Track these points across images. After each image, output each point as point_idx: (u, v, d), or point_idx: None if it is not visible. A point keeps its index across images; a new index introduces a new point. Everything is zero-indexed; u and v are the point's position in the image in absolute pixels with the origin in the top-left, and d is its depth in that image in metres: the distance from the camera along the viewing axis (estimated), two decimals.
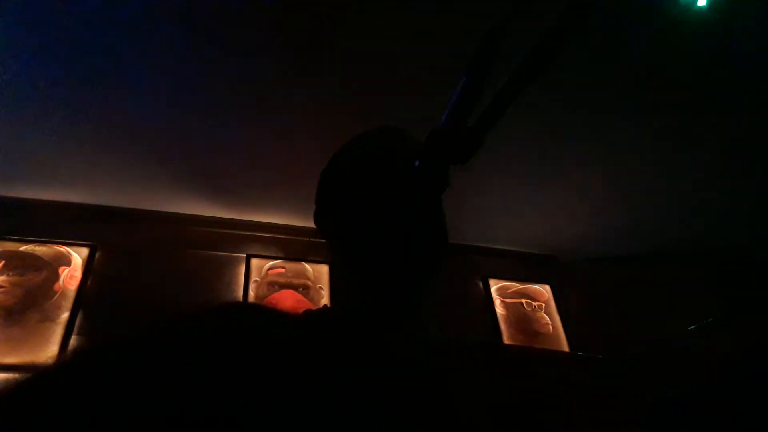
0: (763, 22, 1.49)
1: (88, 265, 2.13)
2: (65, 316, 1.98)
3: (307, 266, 2.44)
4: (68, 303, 2.01)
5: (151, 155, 2.04)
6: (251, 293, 2.28)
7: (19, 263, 2.04)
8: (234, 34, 1.55)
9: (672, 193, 2.36)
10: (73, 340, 1.94)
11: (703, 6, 1.45)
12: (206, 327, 0.33)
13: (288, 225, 2.53)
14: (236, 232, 2.48)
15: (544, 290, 2.80)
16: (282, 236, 2.53)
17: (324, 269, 2.45)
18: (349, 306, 0.62)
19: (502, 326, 2.58)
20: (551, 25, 0.42)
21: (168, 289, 2.16)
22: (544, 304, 2.74)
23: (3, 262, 2.01)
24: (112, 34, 1.52)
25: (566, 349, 2.60)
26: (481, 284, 2.74)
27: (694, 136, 2.01)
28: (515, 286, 2.78)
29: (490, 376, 0.49)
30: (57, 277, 2.07)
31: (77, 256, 2.14)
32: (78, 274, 2.10)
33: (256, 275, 2.34)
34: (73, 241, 2.18)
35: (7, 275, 1.99)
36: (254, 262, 2.38)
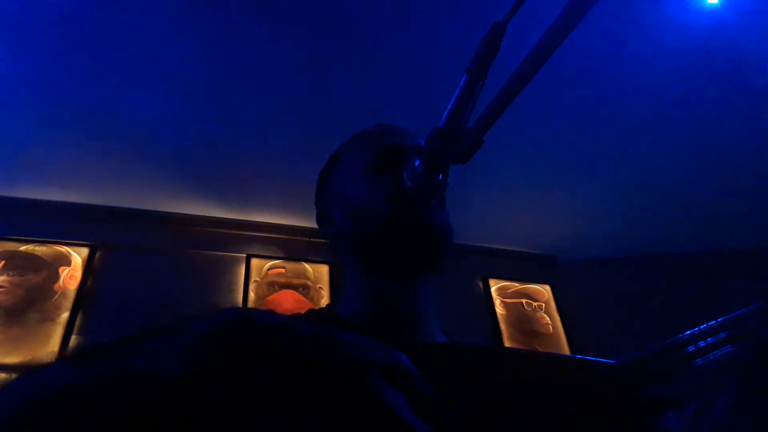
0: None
1: (88, 265, 2.13)
2: (65, 316, 1.97)
3: (307, 266, 2.44)
4: (68, 303, 2.01)
5: (151, 155, 2.04)
6: (251, 293, 2.27)
7: (19, 263, 2.04)
8: (235, 34, 1.55)
9: (672, 194, 2.36)
10: (73, 340, 1.94)
11: (715, 4, 1.44)
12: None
13: (288, 225, 2.53)
14: (236, 232, 2.48)
15: (544, 290, 2.80)
16: (282, 236, 2.53)
17: (324, 269, 2.45)
18: (352, 306, 0.61)
19: (502, 326, 2.58)
20: (550, 25, 0.42)
21: (168, 289, 2.16)
22: (544, 304, 2.74)
23: (3, 262, 2.01)
24: (112, 35, 1.52)
25: (566, 349, 2.60)
26: (481, 284, 2.73)
27: (692, 139, 2.01)
28: (515, 286, 2.77)
29: (490, 376, 0.48)
30: (57, 277, 2.06)
31: (77, 256, 2.14)
32: (78, 274, 2.10)
33: (256, 275, 2.34)
34: (73, 241, 2.17)
35: (7, 275, 1.99)
36: (254, 262, 2.37)
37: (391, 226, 0.57)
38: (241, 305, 2.22)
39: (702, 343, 0.46)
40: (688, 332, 0.47)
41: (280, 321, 0.28)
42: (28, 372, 0.28)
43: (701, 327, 0.47)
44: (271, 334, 0.27)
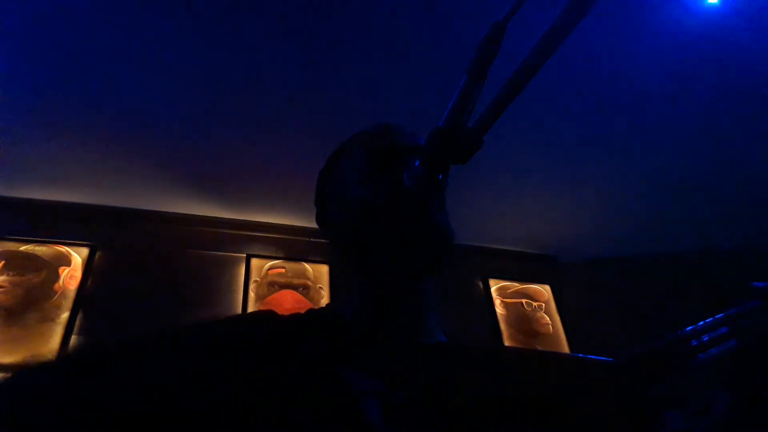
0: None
1: (88, 265, 2.13)
2: (65, 316, 1.97)
3: (307, 266, 2.44)
4: (68, 303, 2.01)
5: (151, 155, 2.04)
6: (251, 293, 2.27)
7: (19, 263, 2.03)
8: (235, 34, 1.55)
9: (672, 194, 2.36)
10: (73, 340, 1.94)
11: (715, 2, 1.44)
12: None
13: (288, 225, 2.53)
14: (236, 232, 2.48)
15: (544, 290, 2.80)
16: (282, 236, 2.53)
17: (324, 269, 2.45)
18: (353, 306, 0.61)
19: (502, 326, 2.58)
20: (551, 25, 0.42)
21: (168, 289, 2.16)
22: (544, 304, 2.74)
23: (3, 262, 2.01)
24: (110, 34, 1.52)
25: (566, 349, 2.60)
26: (481, 284, 2.74)
27: (691, 139, 2.01)
28: (515, 286, 2.77)
29: (491, 376, 0.48)
30: (57, 277, 2.06)
31: (77, 256, 2.14)
32: (78, 274, 2.10)
33: (256, 275, 2.34)
34: (73, 241, 2.17)
35: (7, 275, 1.99)
36: (254, 262, 2.38)
37: (390, 227, 0.56)
38: (241, 305, 2.22)
39: (705, 338, 0.46)
40: (690, 327, 0.47)
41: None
42: (24, 370, 0.28)
43: (703, 322, 0.48)
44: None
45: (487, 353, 0.61)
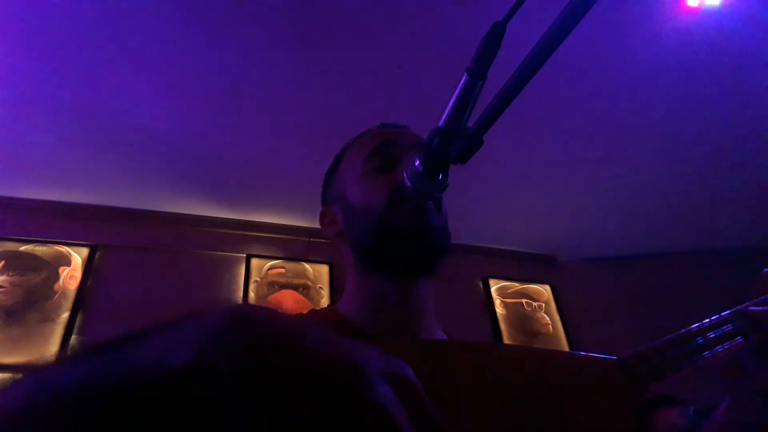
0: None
1: (88, 265, 2.13)
2: (65, 316, 1.97)
3: (307, 266, 2.44)
4: (68, 303, 2.01)
5: (151, 156, 2.04)
6: (251, 293, 2.27)
7: (19, 263, 2.03)
8: (235, 34, 1.55)
9: (671, 194, 2.36)
10: (73, 340, 1.94)
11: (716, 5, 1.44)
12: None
13: (288, 225, 2.53)
14: (236, 232, 2.48)
15: (544, 290, 2.80)
16: (282, 236, 2.52)
17: (324, 269, 2.45)
18: (354, 306, 0.62)
19: (502, 326, 2.58)
20: (551, 25, 0.42)
21: (168, 289, 2.16)
22: (544, 304, 2.74)
23: (3, 262, 2.01)
24: (111, 35, 1.52)
25: (566, 349, 2.59)
26: (481, 284, 2.73)
27: (692, 139, 2.01)
28: (515, 286, 2.77)
29: (490, 373, 0.49)
30: (57, 277, 2.06)
31: (77, 256, 2.14)
32: (78, 274, 2.10)
33: (256, 275, 2.34)
34: (73, 241, 2.17)
35: (7, 275, 1.99)
36: (254, 262, 2.37)
37: (387, 228, 0.57)
38: None
39: (711, 335, 0.46)
40: (696, 325, 0.47)
41: (286, 318, 0.28)
42: (30, 371, 0.28)
43: (708, 320, 0.47)
44: (275, 328, 0.26)
45: (487, 350, 0.61)
